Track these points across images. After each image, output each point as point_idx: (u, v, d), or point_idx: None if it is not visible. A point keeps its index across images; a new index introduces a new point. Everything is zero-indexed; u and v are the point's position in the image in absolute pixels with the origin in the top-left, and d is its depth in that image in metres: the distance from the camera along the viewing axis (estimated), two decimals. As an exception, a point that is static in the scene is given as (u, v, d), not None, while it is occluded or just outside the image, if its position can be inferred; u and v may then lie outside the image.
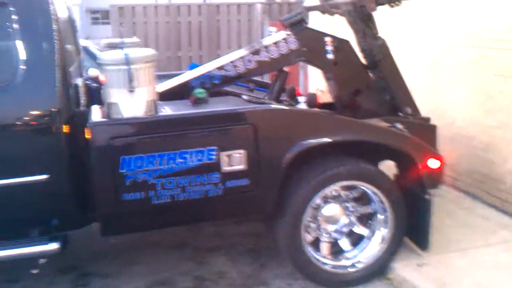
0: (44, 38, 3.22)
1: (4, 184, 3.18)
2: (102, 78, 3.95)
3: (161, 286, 3.71)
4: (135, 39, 4.93)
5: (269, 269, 3.91)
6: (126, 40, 4.78)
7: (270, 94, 4.40)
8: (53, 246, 3.29)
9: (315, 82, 7.38)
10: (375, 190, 3.60)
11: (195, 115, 3.41)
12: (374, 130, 3.69)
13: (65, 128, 3.24)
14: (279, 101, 4.26)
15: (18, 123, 3.19)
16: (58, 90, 3.21)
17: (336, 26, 5.29)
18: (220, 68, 4.17)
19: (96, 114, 3.38)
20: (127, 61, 3.16)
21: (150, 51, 3.36)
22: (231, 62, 4.19)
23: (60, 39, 3.28)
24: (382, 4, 4.07)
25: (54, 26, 3.25)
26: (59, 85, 3.22)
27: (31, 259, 3.73)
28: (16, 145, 3.21)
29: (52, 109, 3.19)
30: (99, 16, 33.16)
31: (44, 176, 3.21)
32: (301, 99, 4.46)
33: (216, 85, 4.18)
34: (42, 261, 3.82)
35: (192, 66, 4.76)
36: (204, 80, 4.16)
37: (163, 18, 10.36)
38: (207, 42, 10.56)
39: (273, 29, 9.97)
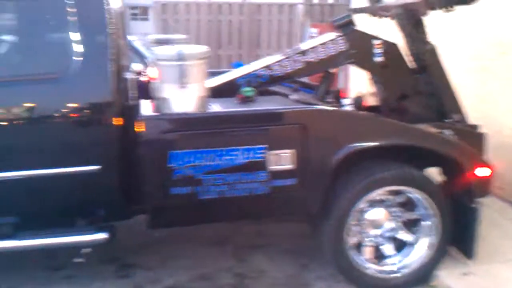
0: (98, 30, 3.26)
1: (55, 173, 3.25)
2: (149, 73, 4.02)
3: (202, 281, 3.74)
4: (182, 36, 5.00)
5: (310, 270, 3.89)
6: (173, 36, 4.86)
7: (315, 95, 4.39)
8: (101, 236, 3.34)
9: (356, 84, 7.32)
10: (422, 195, 3.54)
11: (245, 112, 3.43)
12: (423, 135, 3.63)
13: (116, 121, 3.28)
14: (324, 103, 4.24)
15: (71, 113, 3.25)
16: (111, 82, 3.25)
17: (380, 29, 5.23)
18: (267, 67, 4.18)
19: (146, 108, 3.42)
20: (181, 57, 3.19)
21: (203, 48, 3.38)
22: (279, 62, 4.19)
23: (114, 32, 3.33)
24: (434, 9, 4.02)
25: (109, 19, 3.30)
26: (113, 77, 3.26)
27: (74, 248, 3.83)
28: (68, 136, 3.27)
29: (105, 101, 3.25)
30: (138, 12, 33.54)
31: (94, 167, 3.26)
32: (346, 101, 4.44)
33: (262, 84, 4.19)
34: (84, 250, 3.90)
35: (237, 65, 4.79)
36: (251, 79, 4.17)
37: (205, 16, 10.44)
38: (247, 41, 10.61)
39: (315, 30, 10.00)
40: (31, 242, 3.34)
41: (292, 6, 10.70)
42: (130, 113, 3.43)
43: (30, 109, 3.21)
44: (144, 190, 3.26)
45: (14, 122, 3.19)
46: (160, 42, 4.74)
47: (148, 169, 3.21)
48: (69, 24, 3.23)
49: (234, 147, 3.22)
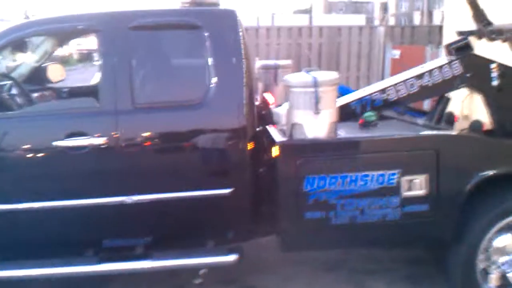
0: (233, 58, 3.40)
1: (191, 196, 3.36)
2: (269, 98, 4.10)
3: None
4: (287, 61, 5.09)
5: (432, 297, 3.84)
6: (279, 62, 4.96)
7: (429, 119, 4.35)
8: (232, 257, 3.42)
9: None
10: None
11: (379, 138, 3.45)
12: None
13: (250, 145, 3.37)
14: (441, 127, 4.20)
15: (208, 139, 3.37)
16: (246, 108, 3.36)
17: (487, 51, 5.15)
18: (382, 91, 4.18)
19: (277, 133, 3.48)
20: (315, 84, 3.26)
21: (334, 74, 3.43)
22: (394, 86, 4.18)
23: (247, 59, 3.44)
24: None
25: (243, 47, 3.42)
26: (247, 103, 3.37)
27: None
28: (205, 160, 3.40)
29: (240, 127, 3.35)
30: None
31: (227, 190, 3.36)
32: (460, 125, 4.37)
33: (376, 108, 4.19)
34: (202, 271, 3.97)
35: (342, 89, 4.81)
36: (365, 103, 4.18)
37: (285, 40, 10.57)
38: (326, 63, 10.62)
39: (397, 52, 9.89)
40: (165, 262, 3.45)
41: (372, 28, 10.71)
42: (261, 138, 3.51)
43: (169, 134, 3.35)
44: (277, 213, 3.32)
45: (153, 146, 3.35)
46: (267, 68, 4.87)
47: (283, 192, 3.28)
48: (205, 53, 3.37)
49: (367, 173, 3.25)
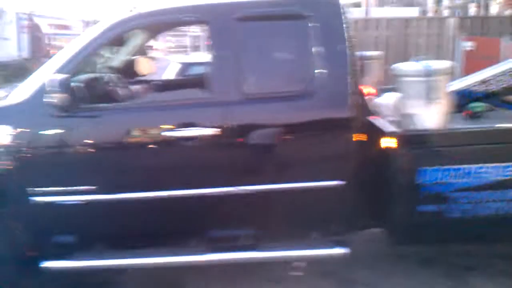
0: (339, 48, 3.34)
1: (297, 188, 3.34)
2: (365, 89, 4.03)
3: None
4: (377, 52, 5.01)
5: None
6: (369, 52, 4.87)
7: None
8: (341, 251, 3.38)
9: None
10: None
11: (495, 129, 3.34)
12: None
13: (356, 136, 3.31)
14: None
15: (315, 129, 3.33)
16: (351, 98, 3.30)
17: None
18: (483, 82, 4.06)
19: (384, 124, 3.41)
20: (429, 73, 3.17)
21: (448, 63, 3.34)
22: (494, 76, 4.06)
23: (351, 48, 3.38)
24: None
25: (347, 36, 3.36)
26: (352, 93, 3.31)
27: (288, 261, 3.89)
28: (311, 151, 3.36)
29: (346, 117, 3.29)
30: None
31: (334, 182, 3.32)
32: None
33: (477, 99, 4.08)
34: (299, 263, 3.95)
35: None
36: (464, 94, 4.07)
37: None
38: (394, 55, 10.43)
39: (468, 43, 9.63)
40: (272, 254, 3.45)
41: (441, 19, 10.46)
42: (369, 128, 3.45)
43: (277, 124, 3.33)
44: (388, 206, 3.26)
45: (262, 137, 3.34)
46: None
47: (395, 185, 3.21)
48: (310, 42, 3.33)
49: (482, 165, 3.15)
